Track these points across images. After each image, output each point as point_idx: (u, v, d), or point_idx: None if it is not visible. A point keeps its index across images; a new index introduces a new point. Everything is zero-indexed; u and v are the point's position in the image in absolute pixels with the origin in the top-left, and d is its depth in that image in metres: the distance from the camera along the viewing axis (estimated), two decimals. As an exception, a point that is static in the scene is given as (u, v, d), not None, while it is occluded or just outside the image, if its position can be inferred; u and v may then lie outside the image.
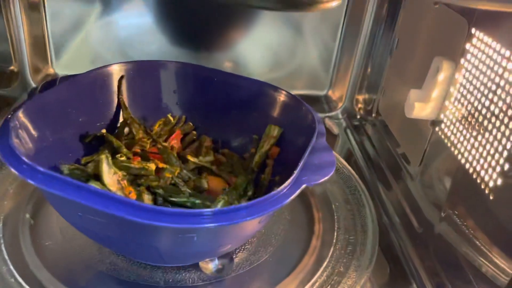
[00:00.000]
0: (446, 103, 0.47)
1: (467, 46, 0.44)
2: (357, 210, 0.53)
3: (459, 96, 0.45)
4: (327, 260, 0.46)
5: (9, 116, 0.40)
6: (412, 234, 0.52)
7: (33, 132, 0.42)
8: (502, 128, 0.38)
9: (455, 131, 0.45)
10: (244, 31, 0.73)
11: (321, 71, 0.77)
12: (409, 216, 0.53)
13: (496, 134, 0.39)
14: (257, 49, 0.74)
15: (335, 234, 0.50)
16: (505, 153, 0.37)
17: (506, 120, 0.38)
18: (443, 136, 0.47)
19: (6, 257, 0.42)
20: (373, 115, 0.70)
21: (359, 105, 0.76)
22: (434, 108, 0.48)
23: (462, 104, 0.44)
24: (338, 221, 0.51)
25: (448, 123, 0.47)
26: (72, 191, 0.33)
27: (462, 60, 0.45)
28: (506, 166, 0.37)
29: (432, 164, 0.50)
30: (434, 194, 0.49)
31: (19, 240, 0.45)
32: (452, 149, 0.45)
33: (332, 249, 0.48)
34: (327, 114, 0.77)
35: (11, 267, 0.41)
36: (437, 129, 0.49)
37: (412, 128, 0.56)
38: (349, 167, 0.59)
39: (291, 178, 0.37)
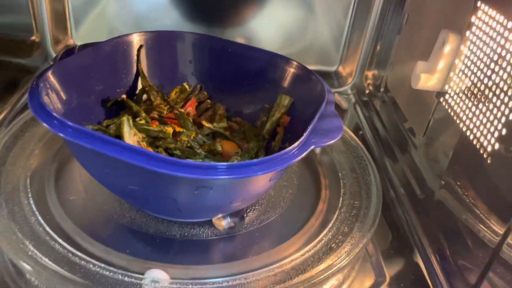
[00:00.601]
0: (451, 74, 0.49)
1: (473, 19, 0.46)
2: (363, 178, 0.55)
3: (463, 67, 0.47)
4: (332, 221, 0.49)
5: (36, 79, 0.43)
6: (416, 203, 0.54)
7: (61, 93, 0.45)
8: (502, 95, 0.40)
9: (458, 101, 0.47)
10: (257, 8, 0.75)
11: (331, 47, 0.79)
12: (413, 186, 0.55)
13: (496, 102, 0.41)
14: (269, 25, 0.76)
15: (341, 199, 0.52)
16: (503, 119, 0.39)
17: (505, 88, 0.40)
18: (447, 107, 0.49)
19: (34, 208, 0.45)
20: (381, 89, 0.72)
21: (368, 81, 0.78)
22: (439, 79, 0.50)
23: (466, 75, 0.46)
24: (344, 188, 0.54)
25: (452, 94, 0.49)
26: (100, 144, 0.35)
27: (467, 33, 0.47)
28: (504, 131, 0.39)
29: (436, 134, 0.52)
30: (437, 162, 0.51)
31: (46, 195, 0.48)
32: (455, 118, 0.47)
33: (337, 212, 0.50)
34: (336, 90, 0.79)
35: (39, 217, 0.44)
36: (441, 100, 0.51)
37: (418, 101, 0.58)
38: (357, 139, 0.61)
39: (301, 139, 0.39)
